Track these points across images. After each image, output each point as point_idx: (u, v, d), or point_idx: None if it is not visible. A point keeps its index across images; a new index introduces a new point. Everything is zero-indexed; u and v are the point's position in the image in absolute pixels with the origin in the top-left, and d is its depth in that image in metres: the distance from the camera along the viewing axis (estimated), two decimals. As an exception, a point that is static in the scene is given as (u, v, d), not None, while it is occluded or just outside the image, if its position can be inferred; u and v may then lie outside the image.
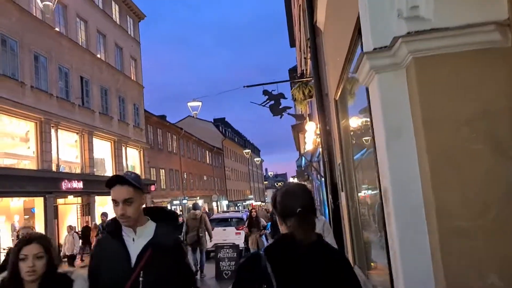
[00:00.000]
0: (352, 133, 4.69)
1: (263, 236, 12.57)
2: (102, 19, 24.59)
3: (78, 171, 20.66)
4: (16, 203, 17.29)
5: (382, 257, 2.90)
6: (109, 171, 23.91)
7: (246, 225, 13.05)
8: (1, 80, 15.58)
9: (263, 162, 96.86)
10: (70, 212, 20.59)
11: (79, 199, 20.75)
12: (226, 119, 77.02)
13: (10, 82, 16.02)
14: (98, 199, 21.68)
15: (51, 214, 17.51)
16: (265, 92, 9.55)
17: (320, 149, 7.94)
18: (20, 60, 16.67)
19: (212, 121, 64.32)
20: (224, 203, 53.70)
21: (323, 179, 9.17)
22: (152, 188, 28.50)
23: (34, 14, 17.92)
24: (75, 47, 21.17)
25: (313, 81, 7.23)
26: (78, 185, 19.59)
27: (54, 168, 18.17)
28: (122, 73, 26.67)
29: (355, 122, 4.32)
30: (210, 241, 11.18)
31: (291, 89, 10.89)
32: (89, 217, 20.62)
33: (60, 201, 19.22)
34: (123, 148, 25.48)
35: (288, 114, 8.15)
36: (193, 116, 19.95)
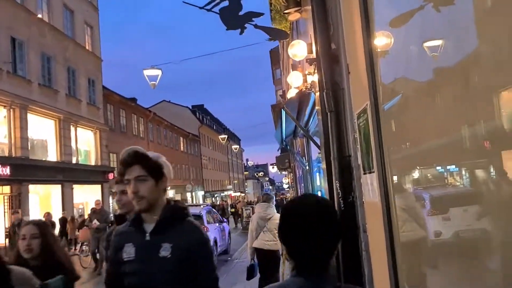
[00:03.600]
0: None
1: None
2: (46, -28, 20.40)
3: (6, 154, 16.68)
4: None
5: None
6: (52, 155, 19.96)
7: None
8: None
9: (243, 152, 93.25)
10: (-6, 204, 16.64)
11: (5, 189, 16.78)
12: (205, 106, 72.98)
13: None
14: (33, 188, 17.76)
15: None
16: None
17: (315, 95, 4.48)
18: None
19: (190, 107, 60.23)
20: (200, 193, 50.02)
21: (318, 154, 5.81)
22: (110, 176, 24.60)
23: None
24: None
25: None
26: (3, 170, 15.65)
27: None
28: (73, 40, 22.55)
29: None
30: None
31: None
32: (20, 210, 16.66)
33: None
34: (72, 129, 21.48)
35: (256, 26, 4.46)
36: (152, 87, 16.10)
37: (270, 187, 65.60)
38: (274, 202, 7.33)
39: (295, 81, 5.88)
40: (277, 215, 6.04)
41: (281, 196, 24.02)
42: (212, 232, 11.11)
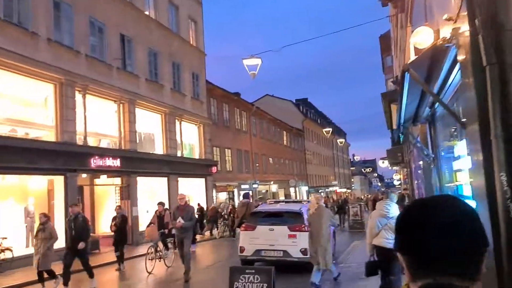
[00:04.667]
0: None
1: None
2: (152, -30, 20.98)
3: (117, 146, 17.40)
4: (37, 182, 14.34)
5: None
6: (158, 149, 20.53)
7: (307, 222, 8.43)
8: (3, 27, 12.49)
9: (349, 146, 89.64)
10: (106, 195, 17.49)
11: (117, 180, 17.53)
12: (308, 100, 71.49)
13: (16, 31, 12.89)
14: (141, 180, 18.32)
15: (73, 196, 14.31)
16: None
17: (457, 49, 3.01)
18: (31, 4, 13.45)
19: (293, 101, 59.33)
20: (304, 189, 48.89)
21: (450, 140, 4.32)
22: (214, 169, 24.76)
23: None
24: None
25: None
26: (114, 162, 16.28)
27: (78, 141, 14.96)
28: (178, 35, 22.99)
29: None
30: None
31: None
32: (129, 201, 17.31)
33: (85, 180, 16.10)
34: (177, 123, 21.90)
35: None
36: (252, 77, 15.30)
37: (379, 183, 61.64)
38: (395, 200, 6.72)
39: (424, 38, 4.26)
40: (397, 213, 5.89)
41: (402, 192, 21.45)
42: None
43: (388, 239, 6.11)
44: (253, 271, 5.58)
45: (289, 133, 46.38)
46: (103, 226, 16.58)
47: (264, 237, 9.39)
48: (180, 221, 9.24)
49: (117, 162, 16.44)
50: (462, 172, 5.23)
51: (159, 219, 12.03)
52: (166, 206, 14.07)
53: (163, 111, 20.66)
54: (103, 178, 16.92)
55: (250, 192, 33.51)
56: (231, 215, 19.57)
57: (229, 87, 30.64)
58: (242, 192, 30.78)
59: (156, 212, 12.45)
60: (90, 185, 16.80)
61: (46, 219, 9.00)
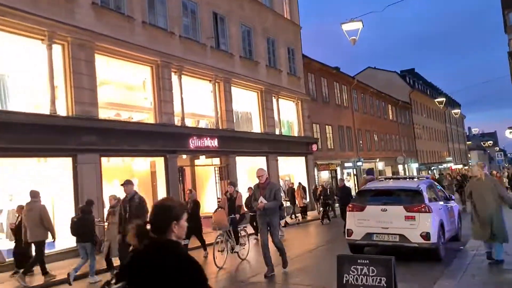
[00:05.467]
0: None
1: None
2: None
3: (214, 126, 17.22)
4: (140, 164, 14.73)
5: None
6: (256, 127, 20.01)
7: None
8: (102, 13, 12.76)
9: (464, 119, 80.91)
10: (206, 176, 17.47)
11: (215, 160, 17.39)
12: (416, 70, 65.64)
13: (111, 16, 13.10)
14: (240, 160, 17.98)
15: (174, 177, 14.41)
16: None
17: None
18: (125, -10, 13.58)
19: (398, 72, 54.86)
20: (414, 166, 45.15)
21: None
22: (314, 147, 23.61)
23: None
24: (205, -23, 17.38)
25: None
26: (212, 143, 16.11)
27: (177, 122, 14.98)
28: (272, 9, 22.03)
29: None
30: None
31: None
32: (228, 181, 17.06)
33: (185, 161, 16.12)
34: (274, 100, 21.12)
35: None
36: (352, 43, 13.79)
37: (503, 158, 54.38)
38: None
39: None
40: None
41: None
42: (436, 213, 8.21)
43: None
44: (367, 261, 4.42)
45: (395, 107, 42.93)
46: (206, 206, 16.62)
47: (376, 219, 8.06)
48: (262, 201, 7.56)
49: (215, 142, 16.25)
50: None
51: (230, 202, 10.17)
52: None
53: (259, 88, 20.02)
54: (202, 159, 16.89)
55: (381, 165, 32.03)
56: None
57: (328, 63, 28.84)
58: (345, 172, 29.20)
59: (225, 194, 10.91)
60: (190, 166, 16.90)
61: (116, 201, 8.58)
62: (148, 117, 14.48)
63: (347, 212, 8.91)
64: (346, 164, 28.79)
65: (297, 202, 19.14)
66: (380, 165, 35.25)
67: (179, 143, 14.71)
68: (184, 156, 15.94)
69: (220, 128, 17.14)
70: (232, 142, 17.21)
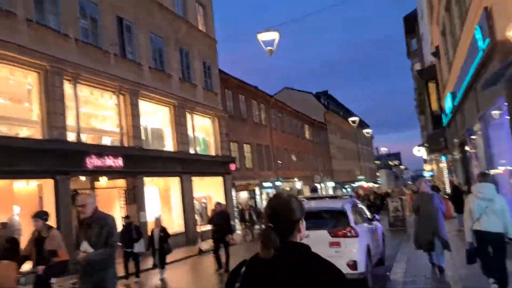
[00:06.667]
0: None
1: None
2: None
3: (118, 143, 15.23)
4: (22, 188, 12.26)
5: None
6: (168, 145, 18.30)
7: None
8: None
9: (373, 139, 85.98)
10: (110, 200, 15.31)
11: (120, 182, 15.35)
12: (329, 92, 68.37)
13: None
14: (150, 180, 16.12)
15: (66, 202, 12.17)
16: None
17: None
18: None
19: (313, 93, 56.47)
20: (330, 185, 46.05)
21: None
22: (233, 167, 22.41)
23: None
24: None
25: None
26: (115, 162, 14.12)
27: (71, 138, 12.82)
28: (185, 20, 20.74)
29: None
30: None
31: None
32: (136, 205, 15.12)
33: (84, 184, 13.90)
34: (189, 116, 19.64)
35: None
36: (269, 54, 12.87)
37: (409, 175, 58.08)
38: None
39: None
40: (500, 196, 5.70)
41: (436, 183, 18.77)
42: (363, 237, 7.31)
43: (491, 223, 5.56)
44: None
45: (311, 127, 43.70)
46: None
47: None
48: (85, 250, 4.35)
49: (119, 162, 14.29)
50: None
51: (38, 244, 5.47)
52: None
53: (171, 103, 18.42)
54: (103, 181, 14.74)
55: (300, 185, 32.12)
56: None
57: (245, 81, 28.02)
58: (265, 191, 28.33)
59: (33, 233, 6.67)
60: (91, 189, 14.64)
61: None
62: (34, 132, 12.15)
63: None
64: (265, 184, 27.98)
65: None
66: (298, 185, 35.13)
67: (73, 162, 12.54)
68: (84, 178, 13.73)
69: (126, 145, 15.21)
70: (140, 162, 15.33)
